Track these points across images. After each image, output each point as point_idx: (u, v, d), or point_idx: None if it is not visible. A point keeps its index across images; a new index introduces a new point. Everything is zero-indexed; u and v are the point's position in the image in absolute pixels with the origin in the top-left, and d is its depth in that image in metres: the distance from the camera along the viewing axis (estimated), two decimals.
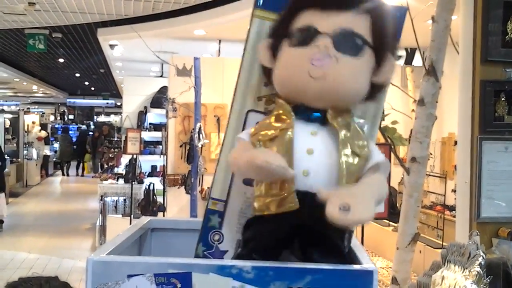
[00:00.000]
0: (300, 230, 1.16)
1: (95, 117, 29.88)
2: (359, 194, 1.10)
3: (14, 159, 15.59)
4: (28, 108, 23.24)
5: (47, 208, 12.82)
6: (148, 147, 10.46)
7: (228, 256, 1.35)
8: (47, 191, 16.27)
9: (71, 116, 30.34)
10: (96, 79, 21.11)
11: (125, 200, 9.31)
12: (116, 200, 9.41)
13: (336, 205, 1.05)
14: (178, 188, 7.31)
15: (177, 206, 7.49)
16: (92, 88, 25.68)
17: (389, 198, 3.28)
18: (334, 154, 1.17)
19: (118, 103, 25.19)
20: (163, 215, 7.72)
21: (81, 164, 20.42)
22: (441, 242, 4.86)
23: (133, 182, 8.55)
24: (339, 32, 1.19)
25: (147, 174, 9.96)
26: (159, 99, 10.34)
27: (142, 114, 11.44)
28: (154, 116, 11.47)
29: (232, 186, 1.37)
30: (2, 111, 17.13)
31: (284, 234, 1.18)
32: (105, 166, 11.60)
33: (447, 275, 1.68)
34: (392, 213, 4.66)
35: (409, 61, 7.71)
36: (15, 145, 16.72)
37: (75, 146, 21.09)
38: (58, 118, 29.07)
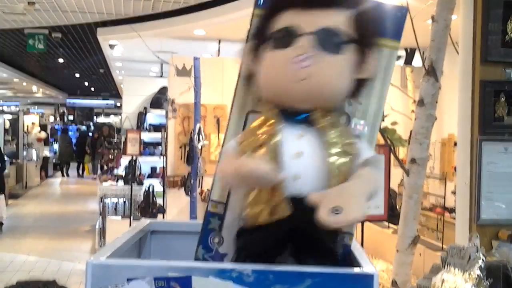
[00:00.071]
0: (292, 235, 1.15)
1: (94, 117, 29.86)
2: (349, 194, 1.10)
3: (13, 160, 15.56)
4: (28, 109, 23.23)
5: (47, 210, 12.80)
6: (147, 148, 10.45)
7: (228, 259, 1.34)
8: (47, 192, 16.26)
9: (70, 117, 30.31)
10: (96, 79, 21.10)
11: (124, 201, 9.30)
12: (116, 202, 9.40)
13: (327, 208, 1.04)
14: (178, 189, 7.31)
15: (177, 207, 7.48)
16: (92, 89, 25.68)
17: (389, 200, 3.28)
18: (322, 155, 1.16)
19: (118, 104, 25.19)
20: (163, 217, 7.72)
21: (81, 165, 20.40)
22: (441, 245, 4.84)
23: (133, 184, 8.55)
24: (321, 31, 1.18)
25: (146, 175, 9.95)
26: (158, 100, 10.35)
27: (141, 115, 11.44)
28: (154, 117, 11.46)
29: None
30: (2, 112, 17.13)
31: (277, 240, 1.17)
32: (105, 167, 11.59)
33: (447, 278, 1.67)
34: (391, 215, 4.64)
35: (408, 61, 7.71)
36: (14, 146, 16.71)
37: (74, 147, 21.09)
38: (58, 119, 29.06)
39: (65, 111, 30.27)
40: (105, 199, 9.22)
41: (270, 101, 1.23)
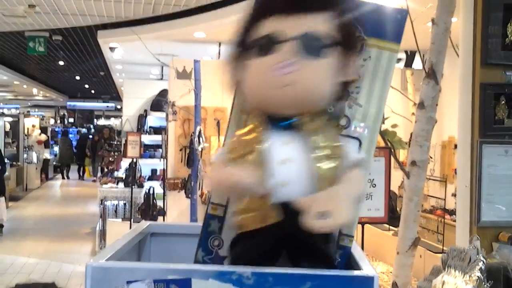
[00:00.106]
0: (285, 241, 1.15)
1: (95, 120, 29.87)
2: (336, 197, 1.10)
3: (14, 162, 15.57)
4: (28, 111, 23.25)
5: (47, 212, 12.80)
6: (148, 150, 10.45)
7: (228, 261, 1.34)
8: (47, 195, 16.26)
9: (71, 120, 30.34)
10: (96, 82, 21.12)
11: (125, 204, 9.30)
12: (116, 204, 9.40)
13: (314, 213, 1.04)
14: (178, 192, 7.29)
15: (177, 210, 7.47)
16: (92, 91, 25.70)
17: (389, 202, 3.28)
18: (309, 160, 1.16)
19: (118, 106, 25.20)
20: (163, 219, 7.71)
21: (82, 168, 20.39)
22: (441, 247, 4.84)
23: (133, 186, 8.55)
24: (303, 36, 1.18)
25: (147, 178, 9.95)
26: (159, 102, 10.33)
27: (142, 117, 11.44)
28: (154, 119, 11.46)
29: None
30: (2, 115, 17.16)
31: (270, 247, 1.17)
32: (105, 170, 11.59)
33: (447, 280, 1.67)
34: (392, 217, 4.64)
35: (409, 64, 7.71)
36: (15, 148, 16.73)
37: (75, 150, 21.09)
38: (58, 121, 29.08)
39: (66, 113, 30.30)
40: (105, 202, 9.22)
41: (256, 108, 1.23)
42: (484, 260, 1.69)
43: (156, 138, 10.74)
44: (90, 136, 20.77)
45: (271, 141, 1.18)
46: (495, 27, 2.37)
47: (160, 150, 10.04)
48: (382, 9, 1.40)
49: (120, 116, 16.73)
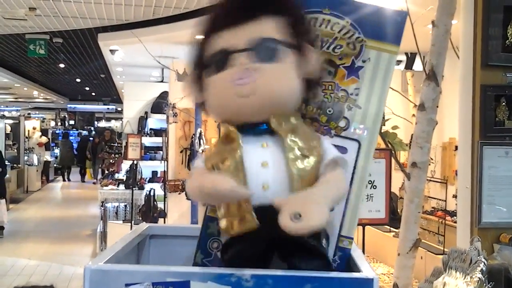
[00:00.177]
0: (275, 242, 1.15)
1: (95, 122, 29.89)
2: (311, 199, 1.09)
3: (14, 165, 15.59)
4: (29, 114, 23.26)
5: (48, 214, 12.81)
6: (148, 152, 10.45)
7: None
8: (48, 197, 16.27)
9: (71, 122, 30.36)
10: (97, 84, 21.12)
11: (125, 206, 9.30)
12: (117, 206, 9.41)
13: (287, 214, 1.04)
14: (179, 194, 7.30)
15: (178, 212, 7.47)
16: (93, 94, 25.70)
17: (390, 203, 3.27)
18: (287, 162, 1.16)
19: (119, 109, 25.21)
20: (164, 221, 7.71)
21: (83, 170, 20.39)
22: (442, 248, 4.84)
23: (134, 188, 8.55)
24: (252, 44, 1.18)
25: (147, 180, 9.95)
26: (159, 104, 10.34)
27: (142, 120, 11.44)
28: (155, 121, 11.46)
29: None
30: (3, 117, 17.16)
31: (261, 250, 1.16)
32: (106, 172, 11.59)
33: (448, 281, 1.67)
34: (393, 218, 4.63)
35: (409, 65, 7.71)
36: (15, 150, 16.74)
37: (76, 152, 21.09)
38: (59, 123, 29.09)
39: (66, 116, 30.32)
40: (106, 204, 9.22)
41: (226, 121, 1.23)
42: (485, 262, 1.69)
43: (156, 140, 10.73)
44: (91, 139, 20.77)
45: (248, 145, 1.18)
46: (495, 28, 2.37)
47: (161, 152, 10.04)
48: (382, 11, 1.39)
49: (121, 118, 16.73)
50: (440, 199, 5.92)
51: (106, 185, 9.76)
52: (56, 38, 10.76)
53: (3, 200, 10.56)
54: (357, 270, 1.16)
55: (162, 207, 8.10)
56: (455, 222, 3.21)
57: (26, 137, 17.75)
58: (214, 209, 1.36)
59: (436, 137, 5.52)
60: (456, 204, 4.77)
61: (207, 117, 7.08)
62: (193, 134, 6.43)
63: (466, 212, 2.43)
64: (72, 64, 15.35)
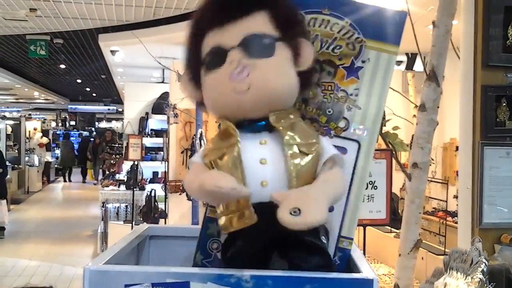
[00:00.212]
0: (275, 239, 1.14)
1: (96, 123, 29.91)
2: (310, 196, 1.09)
3: (15, 165, 15.60)
4: (30, 115, 23.28)
5: (49, 215, 12.81)
6: (149, 153, 10.46)
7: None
8: (49, 197, 16.28)
9: (72, 122, 30.38)
10: (98, 85, 21.14)
11: (126, 206, 9.31)
12: (118, 207, 9.41)
13: (286, 209, 1.04)
14: (180, 194, 7.30)
15: (179, 212, 7.47)
16: (94, 94, 25.72)
17: (391, 204, 3.27)
18: (285, 159, 1.16)
19: (120, 109, 25.22)
20: (165, 222, 7.71)
21: (84, 170, 20.40)
22: (443, 249, 4.83)
23: (135, 189, 8.55)
24: (245, 40, 1.19)
25: (148, 180, 9.96)
26: (160, 105, 10.35)
27: (143, 120, 11.45)
28: (156, 122, 11.47)
29: None
30: (4, 118, 17.15)
31: (261, 247, 1.16)
32: (107, 172, 11.60)
33: (449, 282, 1.66)
34: (393, 219, 4.63)
35: (410, 66, 7.70)
36: (16, 151, 16.74)
37: (76, 153, 21.10)
38: (60, 124, 29.11)
39: (67, 116, 30.35)
40: (107, 204, 9.22)
41: (225, 118, 1.23)
42: (486, 262, 1.68)
43: (157, 141, 10.75)
44: (92, 139, 20.78)
45: (246, 142, 1.18)
46: (496, 29, 2.37)
47: (162, 152, 10.05)
48: (381, 11, 1.39)
49: (122, 119, 16.73)
50: (441, 200, 5.93)
51: (107, 186, 9.77)
52: (57, 39, 10.77)
53: (4, 201, 10.57)
54: (357, 270, 1.16)
55: (163, 208, 8.10)
56: (456, 223, 3.20)
57: (27, 138, 17.75)
58: (213, 210, 1.35)
59: (437, 137, 5.52)
60: (457, 205, 4.76)
61: (207, 117, 7.09)
62: (194, 135, 6.42)
63: (467, 213, 2.43)
64: (72, 65, 15.37)
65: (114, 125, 28.06)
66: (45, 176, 18.82)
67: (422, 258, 4.55)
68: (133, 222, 8.09)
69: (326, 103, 1.36)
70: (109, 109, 28.64)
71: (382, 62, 1.37)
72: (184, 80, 1.31)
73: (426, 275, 1.92)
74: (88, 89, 23.25)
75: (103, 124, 29.15)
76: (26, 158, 16.92)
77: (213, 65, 1.21)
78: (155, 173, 10.25)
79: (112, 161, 11.61)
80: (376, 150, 3.31)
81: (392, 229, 5.39)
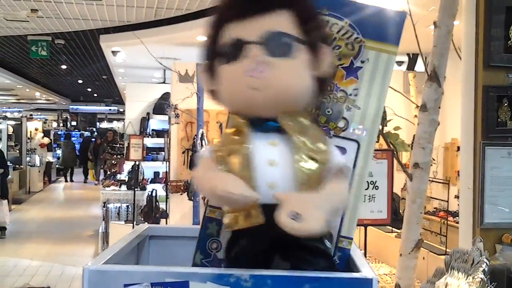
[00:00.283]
0: (278, 241, 1.14)
1: (97, 123, 29.93)
2: (313, 203, 1.08)
3: (16, 165, 15.61)
4: (31, 115, 23.28)
5: (50, 215, 12.82)
6: (150, 153, 10.46)
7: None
8: (50, 197, 16.28)
9: (73, 123, 30.41)
10: (99, 85, 21.16)
11: (127, 206, 9.31)
12: (119, 207, 9.41)
13: (286, 211, 1.04)
14: (181, 194, 7.30)
15: (180, 212, 7.48)
16: (95, 95, 25.74)
17: (392, 204, 3.27)
18: (294, 162, 1.15)
19: (121, 110, 25.24)
20: (166, 222, 7.72)
21: (86, 170, 20.41)
22: (444, 249, 4.82)
23: (136, 189, 8.55)
24: (266, 37, 1.17)
25: (149, 180, 9.96)
26: (161, 105, 10.35)
27: (144, 121, 11.46)
28: (157, 122, 11.48)
29: None
30: (5, 118, 17.15)
31: (264, 248, 1.16)
32: (108, 172, 11.61)
33: (450, 282, 1.66)
34: (395, 219, 4.63)
35: (411, 66, 7.70)
36: (17, 151, 16.75)
37: (78, 153, 21.11)
38: (61, 124, 29.13)
39: (68, 117, 30.37)
40: (108, 204, 9.23)
41: (236, 112, 1.23)
42: (487, 262, 1.68)
43: (158, 141, 10.75)
44: (93, 139, 20.79)
45: (256, 142, 1.17)
46: (498, 29, 2.37)
47: (163, 153, 10.05)
48: (381, 11, 1.39)
49: (123, 119, 16.74)
50: (442, 200, 5.92)
51: (108, 186, 9.77)
52: (58, 40, 10.78)
53: (5, 201, 10.58)
54: (357, 270, 1.16)
55: (164, 208, 8.10)
56: (457, 223, 3.20)
57: (28, 138, 17.76)
58: (213, 210, 1.36)
59: (438, 137, 5.51)
60: (458, 205, 4.75)
61: (208, 118, 7.09)
62: (195, 135, 6.42)
63: (468, 213, 2.43)
64: (74, 66, 15.38)
65: (115, 125, 28.06)
66: (47, 176, 18.83)
67: (423, 258, 4.55)
68: (134, 222, 8.09)
69: (325, 103, 1.36)
70: (110, 109, 28.67)
71: (381, 62, 1.36)
72: (200, 69, 1.30)
73: (427, 275, 1.92)
74: (89, 89, 23.27)
75: (104, 125, 29.17)
76: (27, 158, 16.93)
77: (230, 57, 1.19)
78: (156, 173, 10.25)
79: (113, 161, 11.62)
80: (377, 150, 3.32)
81: (393, 229, 5.38)
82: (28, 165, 16.79)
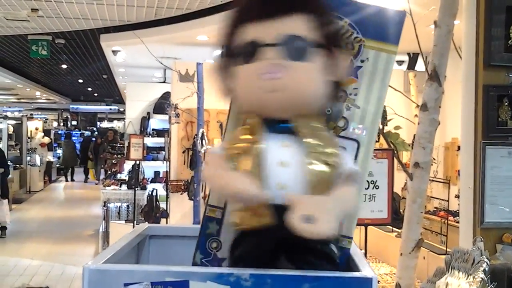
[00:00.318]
0: (285, 243, 1.14)
1: (98, 123, 29.93)
2: (326, 206, 1.09)
3: (17, 165, 15.61)
4: (31, 114, 23.29)
5: (50, 214, 12.83)
6: (151, 153, 10.47)
7: (226, 263, 1.33)
8: (50, 197, 16.29)
9: (74, 122, 30.40)
10: (99, 85, 21.15)
11: (128, 206, 9.31)
12: (119, 206, 9.41)
13: (298, 214, 1.04)
14: (181, 194, 7.30)
15: (180, 212, 7.48)
16: (95, 94, 25.74)
17: (392, 203, 3.27)
18: (305, 164, 1.15)
19: (121, 109, 25.24)
20: (166, 221, 7.72)
21: (87, 170, 20.41)
22: (445, 248, 4.82)
23: (136, 188, 8.55)
24: (283, 40, 1.17)
25: (150, 180, 9.96)
26: (162, 105, 10.35)
27: (145, 120, 11.46)
28: (157, 122, 11.49)
29: None
30: (5, 117, 17.17)
31: (271, 249, 1.16)
32: (108, 172, 11.61)
33: (451, 281, 1.66)
34: (395, 218, 4.63)
35: (411, 66, 7.69)
36: (18, 151, 16.76)
37: (78, 152, 21.11)
38: (61, 124, 29.13)
39: (69, 116, 30.37)
40: (108, 204, 9.23)
41: (250, 111, 1.23)
42: (488, 262, 1.68)
43: (159, 141, 10.76)
44: (93, 139, 20.80)
45: (269, 142, 1.17)
46: (498, 29, 2.37)
47: (163, 152, 10.05)
48: (381, 11, 1.39)
49: (123, 119, 16.74)
50: (442, 199, 5.91)
51: (109, 185, 9.77)
52: (59, 39, 10.78)
53: (6, 201, 10.57)
54: (357, 269, 1.16)
55: (164, 207, 8.10)
56: (458, 222, 3.20)
57: (29, 138, 17.77)
58: (213, 209, 1.36)
59: (439, 137, 5.50)
60: (458, 204, 4.75)
61: (209, 117, 7.09)
62: (195, 135, 6.41)
63: (468, 212, 2.43)
64: (74, 65, 15.38)
65: (116, 124, 28.06)
66: (47, 176, 18.84)
67: (424, 258, 4.55)
68: (135, 222, 8.09)
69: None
70: (110, 109, 28.66)
71: (381, 61, 1.37)
72: (216, 68, 1.29)
73: (427, 275, 1.92)
74: (89, 89, 23.27)
75: (105, 124, 29.16)
76: (28, 158, 16.94)
77: (245, 58, 1.19)
78: (156, 173, 10.25)
79: (113, 161, 11.63)
80: (377, 149, 3.32)
81: (394, 228, 5.37)
82: (28, 164, 16.79)
